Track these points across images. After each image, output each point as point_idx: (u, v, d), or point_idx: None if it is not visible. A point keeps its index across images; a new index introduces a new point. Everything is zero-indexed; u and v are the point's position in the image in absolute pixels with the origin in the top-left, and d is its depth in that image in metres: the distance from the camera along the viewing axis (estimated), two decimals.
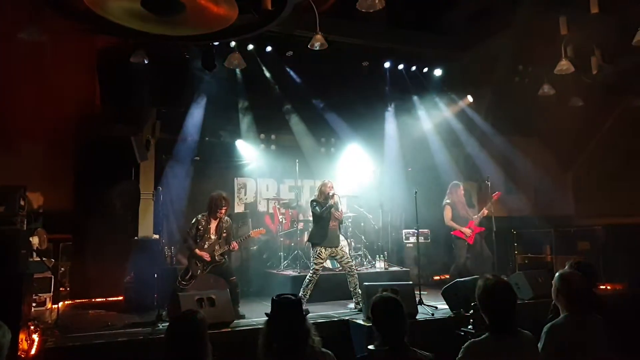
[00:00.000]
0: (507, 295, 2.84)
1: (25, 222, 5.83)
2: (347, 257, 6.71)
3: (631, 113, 9.45)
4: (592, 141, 10.13)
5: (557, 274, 3.34)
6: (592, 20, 6.56)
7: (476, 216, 7.75)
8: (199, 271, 6.21)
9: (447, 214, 7.75)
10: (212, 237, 6.28)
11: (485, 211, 7.65)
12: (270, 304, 2.80)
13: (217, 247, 6.25)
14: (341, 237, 7.21)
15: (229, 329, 5.39)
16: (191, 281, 6.20)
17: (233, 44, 7.45)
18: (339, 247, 6.65)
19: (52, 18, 5.58)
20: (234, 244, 6.32)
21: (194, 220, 6.36)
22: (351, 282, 6.55)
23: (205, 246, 6.21)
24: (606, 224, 9.05)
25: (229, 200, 6.51)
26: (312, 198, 6.82)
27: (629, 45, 6.47)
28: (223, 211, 6.29)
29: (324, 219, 6.52)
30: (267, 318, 2.79)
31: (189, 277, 6.18)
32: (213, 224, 6.30)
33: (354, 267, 6.75)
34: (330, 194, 6.52)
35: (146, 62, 7.02)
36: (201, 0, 3.81)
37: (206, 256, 6.16)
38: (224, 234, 6.32)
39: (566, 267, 3.77)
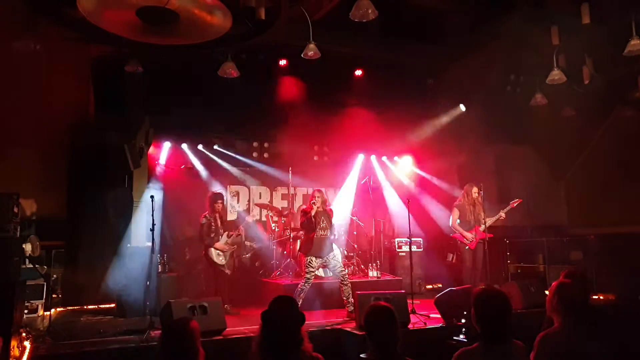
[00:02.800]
0: (503, 305, 2.86)
1: (19, 229, 5.82)
2: (340, 266, 6.74)
3: (623, 122, 9.53)
4: (585, 150, 10.20)
5: (555, 282, 3.33)
6: (583, 30, 6.65)
7: (487, 219, 7.44)
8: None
9: (453, 216, 7.60)
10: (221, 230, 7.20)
11: (502, 215, 7.47)
12: (261, 314, 2.79)
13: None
14: (334, 246, 7.23)
15: (221, 337, 5.37)
16: None
17: (227, 52, 7.47)
18: (331, 256, 6.66)
19: (47, 27, 5.60)
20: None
21: (204, 220, 7.13)
22: (344, 290, 6.57)
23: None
24: (599, 233, 9.08)
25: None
26: (303, 207, 7.06)
27: (620, 55, 6.55)
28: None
29: (309, 229, 6.63)
30: (261, 321, 2.77)
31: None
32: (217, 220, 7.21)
33: (347, 275, 6.76)
34: (313, 202, 6.61)
35: (140, 70, 7.04)
36: (195, 10, 3.83)
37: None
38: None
39: (560, 276, 3.78)
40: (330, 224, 6.77)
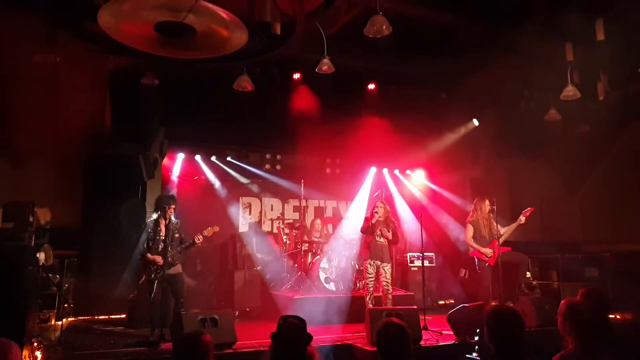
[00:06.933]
0: (516, 324, 2.82)
1: (33, 238, 5.88)
2: (387, 279, 6.92)
3: (638, 138, 9.42)
4: (600, 166, 10.09)
5: (563, 303, 3.23)
6: (598, 46, 6.62)
7: (503, 229, 7.20)
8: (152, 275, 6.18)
9: (468, 232, 7.28)
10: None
11: (522, 220, 7.15)
12: (273, 327, 2.79)
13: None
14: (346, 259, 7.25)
15: (232, 350, 5.36)
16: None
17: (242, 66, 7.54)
18: (384, 265, 6.88)
19: (66, 40, 5.71)
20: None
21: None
22: (387, 303, 6.85)
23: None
24: (615, 250, 8.93)
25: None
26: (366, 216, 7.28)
27: (636, 71, 6.50)
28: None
29: (368, 235, 7.02)
30: (271, 340, 2.77)
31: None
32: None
33: (390, 290, 6.93)
34: (375, 211, 7.00)
35: (156, 82, 7.14)
36: (212, 25, 3.89)
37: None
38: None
39: (578, 295, 3.67)
40: (389, 234, 7.01)
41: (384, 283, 6.89)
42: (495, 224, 7.26)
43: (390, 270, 6.98)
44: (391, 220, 7.22)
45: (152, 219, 6.45)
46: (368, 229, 7.02)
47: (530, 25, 7.30)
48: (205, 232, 6.41)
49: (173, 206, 6.32)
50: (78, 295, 7.59)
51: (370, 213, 7.14)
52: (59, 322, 6.18)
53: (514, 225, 7.22)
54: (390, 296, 6.91)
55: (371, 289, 6.93)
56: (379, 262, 6.90)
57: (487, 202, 7.36)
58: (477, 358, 4.37)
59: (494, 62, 8.29)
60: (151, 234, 6.28)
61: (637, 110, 8.71)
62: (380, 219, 7.01)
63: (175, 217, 6.44)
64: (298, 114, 8.93)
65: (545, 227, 9.98)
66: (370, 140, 9.48)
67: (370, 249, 6.97)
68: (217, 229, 6.54)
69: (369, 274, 6.91)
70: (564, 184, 10.39)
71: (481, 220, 7.31)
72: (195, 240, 6.29)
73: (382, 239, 6.98)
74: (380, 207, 7.08)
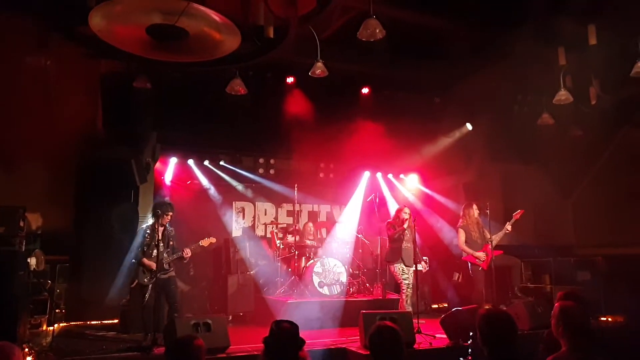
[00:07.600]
0: (509, 327, 2.81)
1: (24, 243, 5.83)
2: (409, 281, 7.07)
3: (630, 143, 9.49)
4: (592, 170, 10.15)
5: (556, 306, 3.23)
6: (590, 51, 6.67)
7: (492, 236, 7.29)
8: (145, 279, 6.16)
9: (460, 237, 7.42)
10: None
11: (508, 229, 7.28)
12: (266, 331, 2.78)
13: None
14: (340, 263, 7.23)
15: (225, 355, 5.33)
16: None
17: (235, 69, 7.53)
18: (411, 269, 7.00)
19: (58, 43, 5.69)
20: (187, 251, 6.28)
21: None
22: (404, 300, 7.03)
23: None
24: (607, 254, 8.97)
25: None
26: (388, 220, 7.45)
27: (628, 76, 6.55)
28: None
29: (397, 240, 7.10)
30: (264, 345, 2.76)
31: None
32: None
33: (410, 290, 7.06)
34: (404, 217, 7.06)
35: (148, 86, 7.12)
36: (204, 28, 3.88)
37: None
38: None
39: (558, 297, 3.68)
40: (413, 238, 7.08)
41: (408, 285, 7.02)
42: (485, 228, 7.39)
43: (414, 274, 7.13)
44: (412, 226, 7.28)
45: (148, 224, 6.46)
46: (399, 235, 7.08)
47: (523, 30, 7.34)
48: (202, 242, 6.50)
49: (170, 214, 6.35)
50: (70, 301, 7.52)
51: (394, 219, 7.20)
52: (51, 328, 6.12)
53: (501, 233, 7.34)
54: (410, 295, 7.05)
55: (410, 290, 7.00)
56: (410, 267, 7.00)
57: (474, 207, 7.53)
58: None
59: (488, 66, 8.33)
60: (147, 239, 6.29)
61: (629, 115, 8.79)
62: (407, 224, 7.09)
63: (169, 225, 6.42)
64: (292, 118, 8.93)
65: (538, 231, 10.02)
66: (364, 145, 9.48)
67: (403, 255, 7.04)
68: (214, 240, 6.64)
69: (407, 276, 7.00)
70: (557, 187, 10.44)
71: (471, 225, 7.45)
72: (184, 254, 6.30)
73: (409, 244, 7.06)
74: (407, 212, 7.16)
